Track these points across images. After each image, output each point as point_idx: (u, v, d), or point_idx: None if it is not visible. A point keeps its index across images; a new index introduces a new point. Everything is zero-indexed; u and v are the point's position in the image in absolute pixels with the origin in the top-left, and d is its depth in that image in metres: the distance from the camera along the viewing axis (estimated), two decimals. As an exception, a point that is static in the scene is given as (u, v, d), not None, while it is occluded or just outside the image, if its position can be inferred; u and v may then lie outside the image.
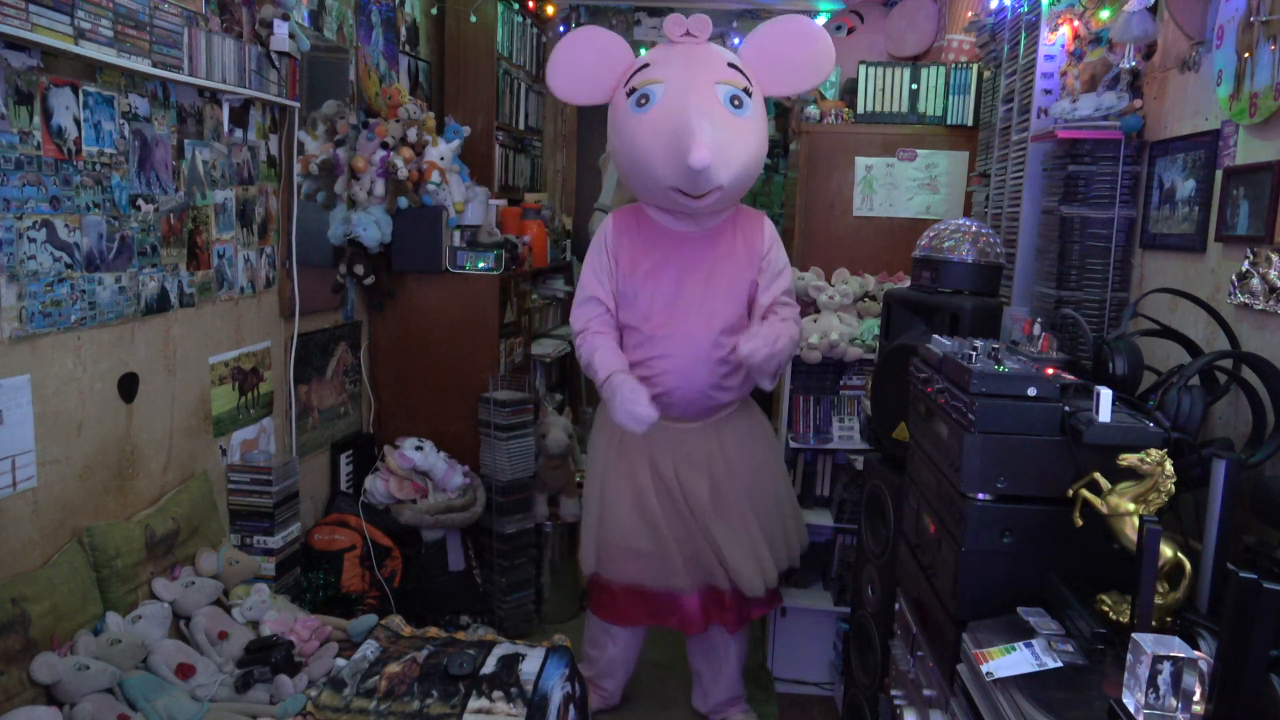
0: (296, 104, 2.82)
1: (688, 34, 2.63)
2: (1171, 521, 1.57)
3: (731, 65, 2.62)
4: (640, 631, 2.97)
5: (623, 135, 2.64)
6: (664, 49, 2.66)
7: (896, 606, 2.21)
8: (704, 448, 2.75)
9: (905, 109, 3.58)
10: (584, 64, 2.69)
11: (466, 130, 3.50)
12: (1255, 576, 1.17)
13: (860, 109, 3.60)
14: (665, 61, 2.61)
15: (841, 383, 3.23)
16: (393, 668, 2.14)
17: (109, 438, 2.13)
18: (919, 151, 3.58)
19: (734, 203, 2.76)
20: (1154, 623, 1.42)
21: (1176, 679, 1.21)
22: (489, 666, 2.17)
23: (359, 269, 3.19)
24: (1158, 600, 1.44)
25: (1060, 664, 1.45)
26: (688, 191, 2.54)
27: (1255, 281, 1.78)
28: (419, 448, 3.23)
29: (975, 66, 3.51)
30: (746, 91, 2.60)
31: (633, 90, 2.60)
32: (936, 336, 2.11)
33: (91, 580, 1.98)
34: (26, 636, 1.76)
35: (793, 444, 3.21)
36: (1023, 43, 2.88)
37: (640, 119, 2.56)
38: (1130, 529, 1.50)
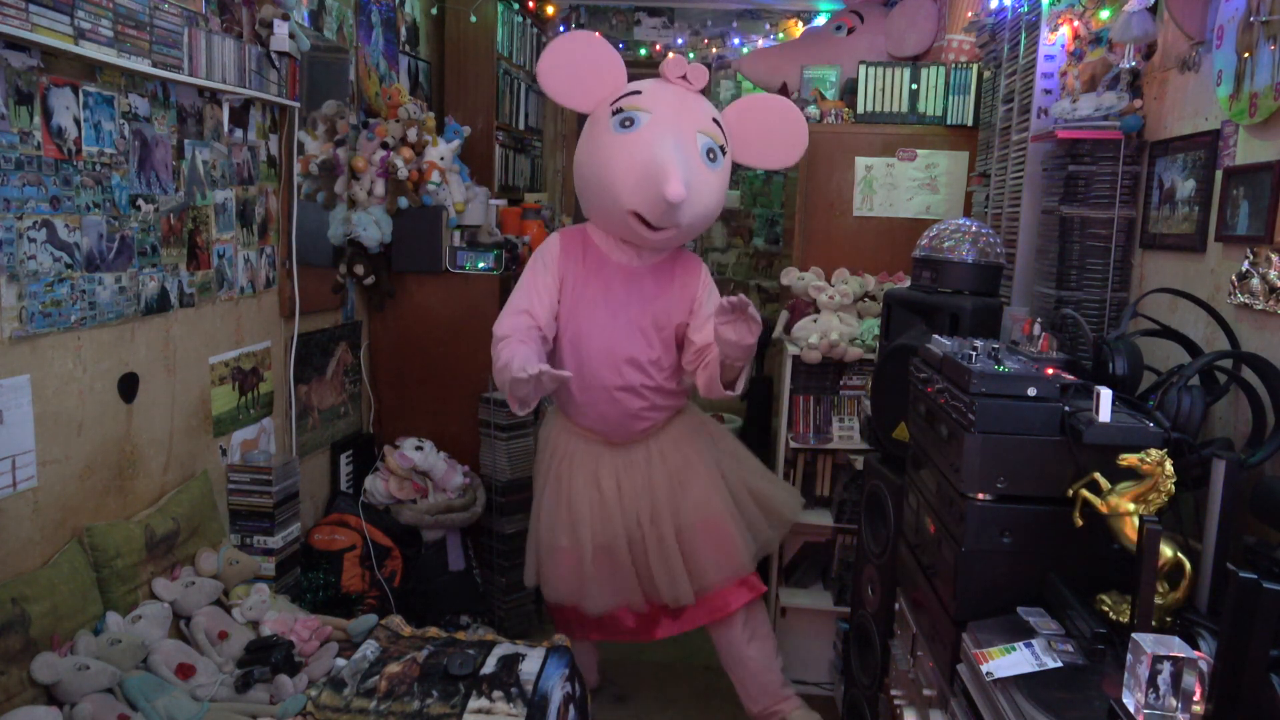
0: (296, 104, 2.82)
1: (684, 78, 2.68)
2: (1171, 521, 1.57)
3: (715, 121, 2.66)
4: (590, 649, 3.03)
5: (595, 151, 2.65)
6: (657, 84, 2.69)
7: (896, 606, 2.21)
8: (643, 456, 2.78)
9: (905, 109, 3.58)
10: (577, 67, 2.71)
11: (466, 130, 3.50)
12: (1255, 576, 1.17)
13: (860, 109, 3.60)
14: (657, 95, 2.64)
15: (841, 383, 3.23)
16: (393, 668, 2.14)
17: (109, 438, 2.13)
18: (919, 151, 3.58)
19: (680, 245, 2.81)
20: (1154, 623, 1.42)
21: (1176, 679, 1.21)
22: (489, 666, 2.17)
23: (359, 269, 3.19)
24: (1158, 600, 1.44)
25: (1060, 664, 1.45)
26: (650, 222, 2.55)
27: (1255, 281, 1.78)
28: (419, 448, 3.23)
29: (975, 66, 3.51)
30: (722, 149, 2.65)
31: (619, 110, 2.61)
32: (936, 336, 2.11)
33: (91, 580, 1.98)
34: (26, 636, 1.76)
35: (793, 444, 3.21)
36: (1023, 43, 2.88)
37: (620, 139, 2.57)
38: (1130, 529, 1.50)
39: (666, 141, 2.51)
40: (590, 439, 2.79)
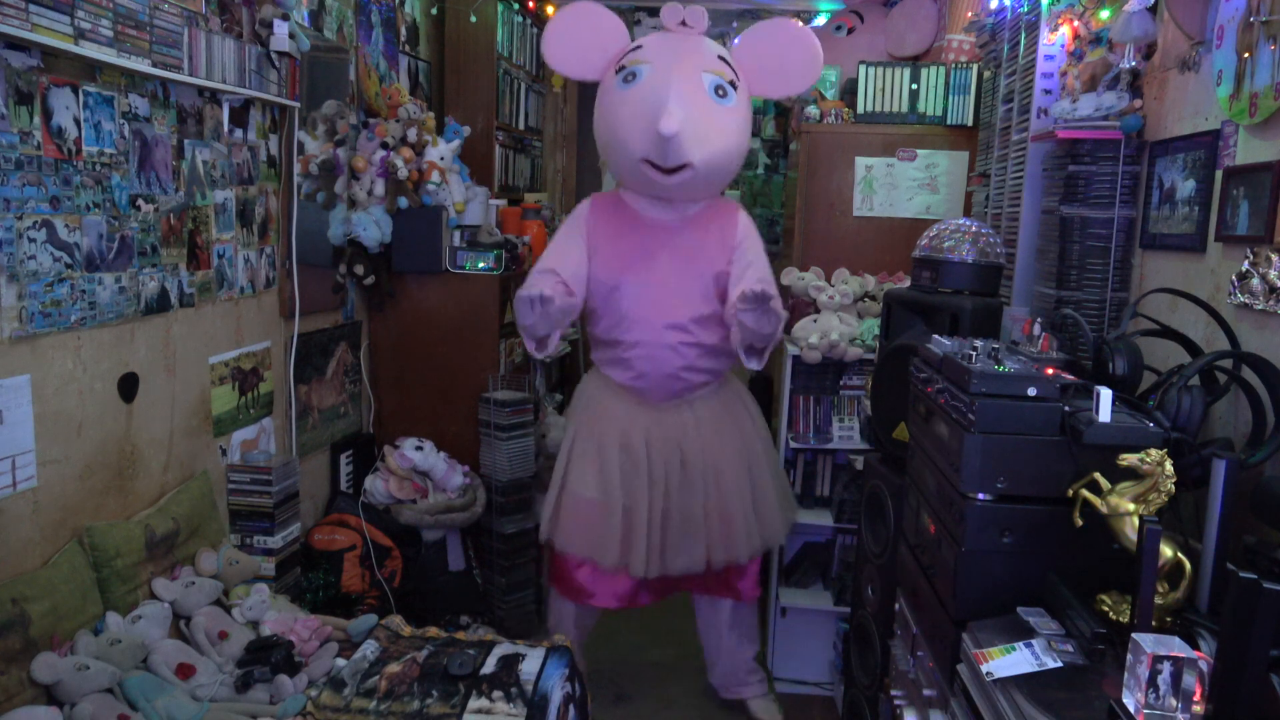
0: (296, 104, 2.82)
1: (683, 24, 2.69)
2: (1171, 521, 1.57)
3: (721, 58, 2.67)
4: (592, 614, 3.05)
5: (605, 110, 2.70)
6: (658, 36, 2.72)
7: (896, 606, 2.21)
8: (677, 423, 2.79)
9: (905, 109, 3.58)
10: (581, 37, 2.74)
11: (466, 130, 3.50)
12: (1255, 576, 1.17)
13: (860, 109, 3.60)
14: (657, 46, 2.68)
15: (841, 383, 3.23)
16: (393, 668, 2.14)
17: (109, 438, 2.13)
18: (919, 151, 3.58)
19: (709, 191, 2.79)
20: (1154, 623, 1.42)
21: (1176, 679, 1.21)
22: (489, 666, 2.17)
23: (359, 269, 3.19)
24: (1158, 600, 1.44)
25: (1060, 664, 1.45)
26: (658, 163, 2.57)
27: (1255, 281, 1.78)
28: (419, 448, 3.23)
29: (975, 66, 3.51)
30: (732, 84, 2.64)
31: (622, 68, 2.65)
32: (936, 336, 2.11)
33: (91, 580, 1.98)
34: (26, 636, 1.76)
35: (793, 444, 3.21)
36: (1023, 43, 2.88)
37: (624, 94, 2.62)
38: (1130, 529, 1.50)
39: (664, 84, 2.53)
40: (626, 397, 2.80)
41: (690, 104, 2.51)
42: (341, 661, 2.18)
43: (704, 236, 2.74)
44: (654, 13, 5.78)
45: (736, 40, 2.87)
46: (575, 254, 2.72)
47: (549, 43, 2.76)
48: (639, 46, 2.69)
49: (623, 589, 2.89)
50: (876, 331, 2.98)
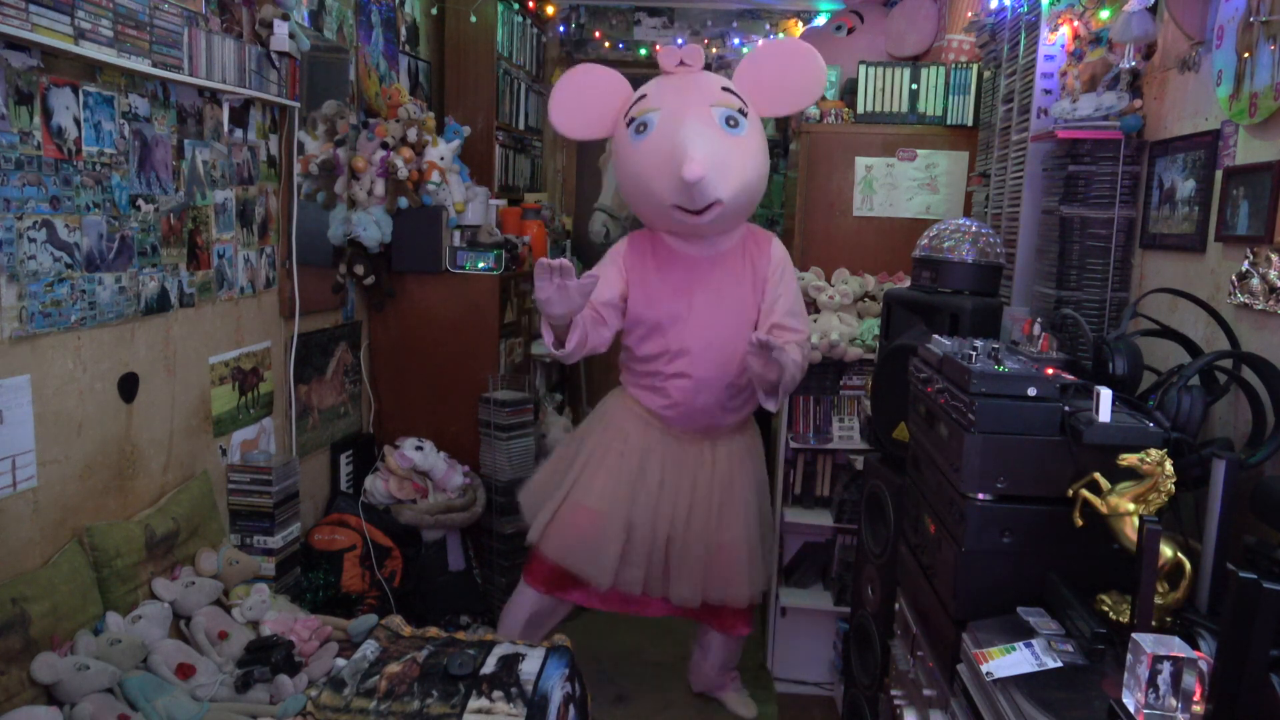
0: (296, 104, 2.82)
1: (681, 64, 2.70)
2: (1171, 521, 1.57)
3: (726, 89, 2.67)
4: (565, 607, 3.01)
5: (625, 164, 2.72)
6: (660, 80, 2.73)
7: (896, 606, 2.21)
8: (696, 458, 2.80)
9: (905, 109, 3.58)
10: (583, 102, 2.78)
11: (466, 130, 3.50)
12: (1255, 576, 1.17)
13: (860, 109, 3.60)
14: (661, 91, 2.69)
15: (841, 383, 3.23)
16: (393, 668, 2.14)
17: (109, 438, 2.13)
18: (919, 151, 3.58)
19: (740, 221, 2.79)
20: (1154, 623, 1.42)
21: (1176, 679, 1.21)
22: (489, 666, 2.17)
23: (359, 269, 3.19)
24: (1158, 600, 1.44)
25: (1060, 664, 1.45)
26: (688, 208, 2.58)
27: (1255, 281, 1.78)
28: (419, 448, 3.23)
29: (975, 66, 3.51)
30: (742, 112, 2.65)
31: (631, 120, 2.67)
32: (936, 336, 2.11)
33: (91, 580, 1.98)
34: (26, 636, 1.76)
35: (793, 444, 3.21)
36: (1023, 43, 2.88)
37: (639, 146, 2.64)
38: (1130, 529, 1.50)
39: (679, 128, 2.54)
40: (650, 423, 2.81)
41: (707, 143, 2.52)
42: (341, 661, 2.18)
43: (740, 270, 2.76)
44: (654, 12, 5.79)
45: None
46: (611, 286, 2.73)
47: (556, 113, 2.79)
48: (643, 96, 2.70)
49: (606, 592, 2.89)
50: (876, 331, 2.98)
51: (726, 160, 2.56)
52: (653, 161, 2.59)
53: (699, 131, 2.54)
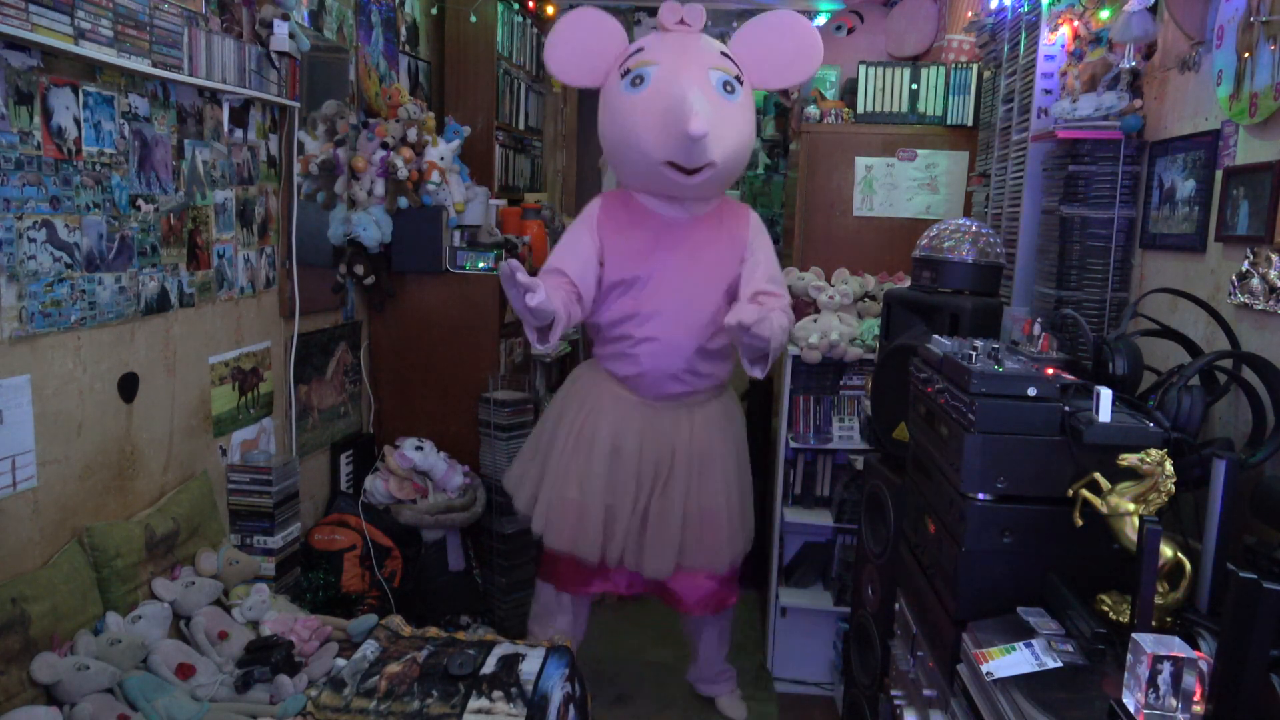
0: (296, 104, 2.82)
1: (682, 22, 2.69)
2: (1171, 521, 1.57)
3: (724, 54, 2.67)
4: (586, 603, 3.04)
5: (614, 115, 2.68)
6: (658, 36, 2.72)
7: (896, 606, 2.21)
8: (672, 424, 2.78)
9: (905, 109, 3.58)
10: (582, 43, 2.73)
11: (466, 130, 3.50)
12: (1255, 576, 1.17)
13: (860, 109, 3.60)
14: (659, 46, 2.67)
15: (841, 383, 3.23)
16: (393, 668, 2.14)
17: (109, 438, 2.13)
18: (919, 151, 3.58)
19: (722, 188, 2.79)
20: (1154, 623, 1.42)
21: (1176, 679, 1.21)
22: (489, 666, 2.17)
23: (359, 269, 3.19)
24: (1158, 600, 1.44)
25: (1060, 664, 1.45)
26: (682, 165, 2.56)
27: (1255, 281, 1.78)
28: (419, 448, 3.23)
29: (975, 66, 3.51)
30: (738, 79, 2.65)
31: (627, 71, 2.64)
32: (936, 336, 2.11)
33: (91, 580, 1.98)
34: (26, 636, 1.76)
35: (793, 444, 3.21)
36: (1023, 43, 2.88)
37: (634, 98, 2.60)
38: (1130, 529, 1.50)
39: (680, 84, 2.52)
40: (622, 394, 2.78)
41: (707, 103, 2.51)
42: (341, 661, 2.18)
43: (716, 235, 2.74)
44: (654, 13, 5.78)
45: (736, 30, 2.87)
46: (584, 252, 2.71)
47: (552, 50, 2.75)
48: (641, 49, 2.68)
49: (605, 578, 2.90)
50: (876, 331, 2.98)
51: (723, 124, 2.55)
52: (647, 115, 2.55)
53: (701, 91, 2.53)
